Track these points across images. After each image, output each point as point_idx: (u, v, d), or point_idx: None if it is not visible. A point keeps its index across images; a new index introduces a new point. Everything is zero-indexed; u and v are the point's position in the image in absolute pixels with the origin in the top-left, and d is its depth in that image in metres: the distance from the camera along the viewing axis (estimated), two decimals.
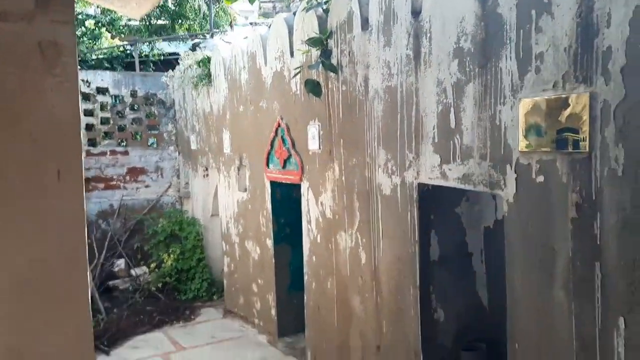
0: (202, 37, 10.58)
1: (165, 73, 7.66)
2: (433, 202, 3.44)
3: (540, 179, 2.56)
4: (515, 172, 2.69)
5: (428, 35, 3.19)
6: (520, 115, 2.62)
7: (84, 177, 1.73)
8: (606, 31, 2.23)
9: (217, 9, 11.82)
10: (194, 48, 9.17)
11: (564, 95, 2.41)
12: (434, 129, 3.21)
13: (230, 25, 10.95)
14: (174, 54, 11.02)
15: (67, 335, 1.65)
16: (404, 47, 3.39)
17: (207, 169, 7.06)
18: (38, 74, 1.65)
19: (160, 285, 6.95)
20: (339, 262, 4.27)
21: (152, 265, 7.23)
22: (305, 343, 4.90)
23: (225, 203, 6.42)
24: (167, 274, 7.03)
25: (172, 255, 7.13)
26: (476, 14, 2.84)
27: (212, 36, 9.64)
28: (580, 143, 2.36)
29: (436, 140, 3.20)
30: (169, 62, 11.12)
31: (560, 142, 2.44)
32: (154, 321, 6.07)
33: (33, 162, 1.60)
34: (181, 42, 11.02)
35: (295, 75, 4.43)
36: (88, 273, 1.72)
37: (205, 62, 6.48)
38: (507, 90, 2.70)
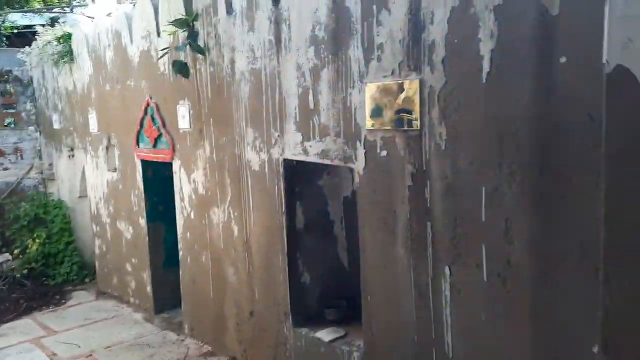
0: (61, 10, 9.95)
1: (22, 49, 7.21)
2: (297, 176, 3.76)
3: (384, 153, 2.97)
4: (364, 148, 3.08)
5: (287, 22, 3.46)
6: (366, 98, 3.00)
7: None
8: (430, 27, 2.64)
9: None
10: (52, 23, 8.64)
11: (400, 81, 2.81)
12: (295, 109, 3.51)
13: None
14: (29, 26, 10.29)
15: None
16: (266, 32, 3.63)
17: (72, 150, 6.82)
18: None
19: (25, 271, 6.65)
20: (213, 236, 4.48)
21: (16, 252, 6.88)
22: (182, 316, 5.07)
23: (93, 184, 6.29)
24: (33, 259, 6.74)
25: (37, 240, 6.84)
26: (328, 6, 3.15)
27: (72, 10, 9.12)
28: (413, 122, 2.78)
29: (298, 120, 3.51)
30: (23, 35, 10.36)
31: (398, 122, 2.85)
32: (20, 308, 5.85)
33: None
34: (37, 15, 10.28)
35: (163, 55, 4.50)
36: None
37: (67, 38, 6.22)
38: (356, 76, 3.06)
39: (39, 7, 10.42)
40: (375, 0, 2.88)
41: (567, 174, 2.18)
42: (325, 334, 3.62)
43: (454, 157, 2.63)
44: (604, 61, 1.71)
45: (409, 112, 2.79)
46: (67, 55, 6.19)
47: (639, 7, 1.61)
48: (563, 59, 2.16)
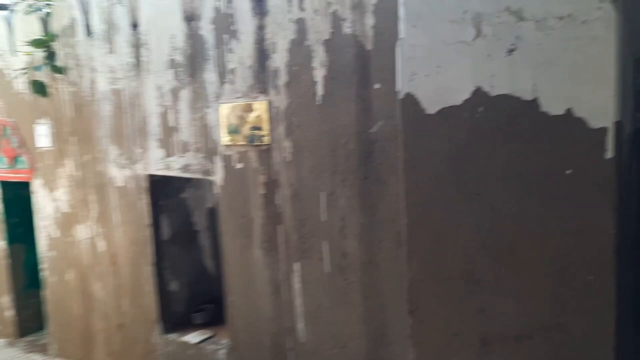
0: None
1: None
2: (161, 189, 3.98)
3: (240, 165, 3.32)
4: (222, 161, 3.41)
5: (147, 46, 3.70)
6: (222, 116, 3.34)
7: None
8: (274, 56, 3.06)
9: None
10: None
11: (250, 102, 3.19)
12: (157, 127, 3.75)
13: None
14: None
15: None
16: (127, 55, 3.83)
17: None
18: None
19: None
20: (78, 253, 4.52)
21: None
22: (49, 337, 5.00)
23: None
24: None
25: None
26: (184, 32, 3.46)
27: None
28: (264, 138, 3.17)
29: (160, 137, 3.75)
30: None
31: (251, 138, 3.23)
32: None
33: None
34: None
35: (21, 75, 4.49)
36: None
37: None
38: (211, 97, 3.39)
39: None
40: (226, 29, 3.24)
41: (382, 177, 2.69)
42: (192, 337, 3.87)
43: (298, 167, 3.05)
44: (398, 89, 2.21)
45: (259, 129, 3.18)
46: None
47: (419, 50, 2.12)
48: (377, 85, 2.68)
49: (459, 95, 2.06)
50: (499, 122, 2.00)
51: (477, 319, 2.13)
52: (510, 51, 1.94)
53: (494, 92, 1.99)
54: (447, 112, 2.10)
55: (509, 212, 2.02)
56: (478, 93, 2.02)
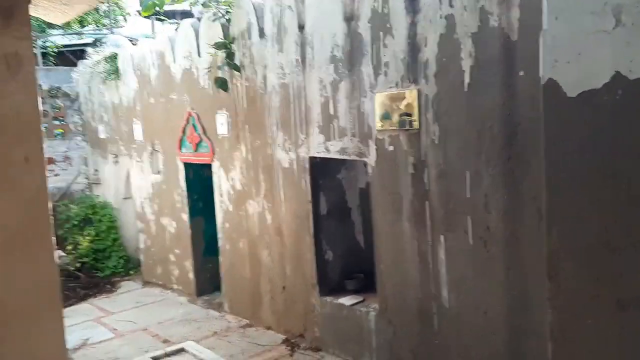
0: (100, 30, 10.89)
1: (67, 67, 8.11)
2: (321, 170, 4.54)
3: (391, 148, 3.74)
4: (375, 145, 3.85)
5: (311, 45, 4.26)
6: (376, 105, 3.77)
7: (45, 161, 2.41)
8: (424, 49, 3.41)
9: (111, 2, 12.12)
10: (96, 44, 9.55)
11: (402, 91, 3.58)
12: (318, 115, 4.29)
13: (125, 18, 11.34)
14: (68, 46, 11.26)
15: (36, 281, 2.13)
16: (293, 53, 4.43)
17: (117, 156, 7.68)
18: (4, 80, 2.02)
19: (78, 265, 7.50)
20: (249, 225, 5.27)
21: (69, 248, 7.74)
22: (222, 297, 5.86)
23: (138, 185, 7.12)
24: (84, 254, 7.60)
25: (87, 238, 7.70)
26: (344, 32, 3.94)
27: (112, 31, 10.05)
28: (414, 123, 3.55)
29: (321, 124, 4.29)
30: (62, 54, 11.32)
31: (402, 123, 3.62)
32: (78, 295, 6.69)
33: (5, 149, 1.98)
34: (76, 36, 11.25)
35: (206, 73, 5.32)
36: (53, 236, 2.38)
37: (113, 58, 7.09)
38: (367, 88, 3.84)
39: (78, 28, 11.35)
40: (382, 27, 3.66)
41: (525, 157, 2.94)
42: (347, 300, 4.38)
43: (445, 149, 3.39)
44: (541, 75, 2.46)
45: (410, 115, 3.56)
46: (114, 72, 7.05)
47: (561, 40, 2.36)
48: (522, 73, 2.92)
49: (599, 79, 2.27)
50: (637, 104, 2.18)
51: (613, 283, 2.33)
52: None
53: (632, 76, 2.17)
54: (587, 95, 2.32)
55: None
56: (617, 77, 2.22)
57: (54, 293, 2.53)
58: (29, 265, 2.38)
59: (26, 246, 2.33)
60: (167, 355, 3.60)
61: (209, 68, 5.22)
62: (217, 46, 5.05)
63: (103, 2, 10.77)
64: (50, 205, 2.24)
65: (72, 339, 5.26)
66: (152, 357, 3.57)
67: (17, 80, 2.33)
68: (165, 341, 5.05)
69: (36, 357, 2.50)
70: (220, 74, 5.15)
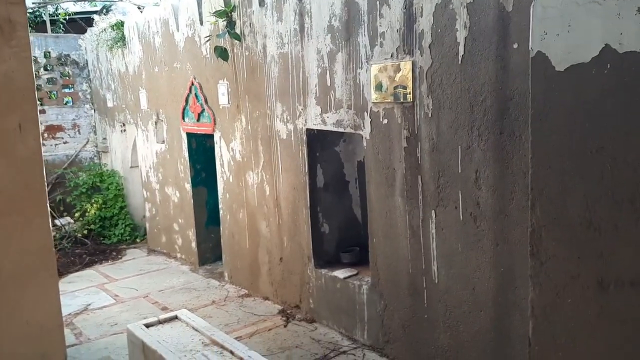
0: None
1: (77, 35, 8.09)
2: (318, 142, 4.50)
3: (385, 121, 3.68)
4: (370, 117, 3.79)
5: (309, 14, 4.17)
6: (371, 76, 3.70)
7: (39, 127, 2.40)
8: (420, 19, 3.33)
9: None
10: (106, 11, 9.52)
11: (397, 63, 3.51)
12: (315, 86, 4.24)
13: None
14: (79, 13, 11.23)
15: (31, 245, 2.24)
16: (292, 22, 4.35)
17: (124, 125, 7.71)
18: None
19: (85, 232, 7.62)
20: (248, 196, 5.28)
21: (76, 215, 7.86)
22: (223, 266, 5.92)
23: (144, 154, 7.16)
24: (92, 221, 7.71)
25: (95, 205, 7.80)
26: (341, 0, 3.85)
27: None
28: (408, 96, 3.48)
29: (318, 95, 4.24)
30: (73, 21, 11.31)
31: (396, 95, 3.56)
32: (84, 261, 6.81)
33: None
34: (86, 2, 11.21)
35: (206, 42, 5.27)
36: (46, 198, 2.39)
37: (119, 26, 7.05)
38: (363, 59, 3.76)
39: None
40: None
41: (517, 132, 2.87)
42: (340, 273, 4.38)
43: (438, 123, 3.33)
44: (530, 48, 2.37)
45: (404, 87, 3.49)
46: (120, 41, 7.02)
47: (551, 11, 2.26)
48: (516, 45, 2.84)
49: (588, 53, 2.18)
50: (627, 79, 2.09)
51: (595, 263, 2.28)
52: None
53: (622, 50, 2.09)
54: (575, 69, 2.23)
55: (630, 165, 2.13)
56: (607, 50, 2.13)
57: (48, 257, 2.55)
58: (24, 231, 2.40)
59: (21, 212, 2.35)
60: (160, 322, 3.64)
61: (208, 36, 5.17)
62: (218, 14, 4.98)
63: None
64: (44, 172, 2.25)
65: (74, 303, 5.38)
66: (145, 324, 3.61)
67: (10, 46, 2.29)
68: (164, 308, 5.13)
69: (30, 320, 2.54)
70: (221, 43, 5.10)
